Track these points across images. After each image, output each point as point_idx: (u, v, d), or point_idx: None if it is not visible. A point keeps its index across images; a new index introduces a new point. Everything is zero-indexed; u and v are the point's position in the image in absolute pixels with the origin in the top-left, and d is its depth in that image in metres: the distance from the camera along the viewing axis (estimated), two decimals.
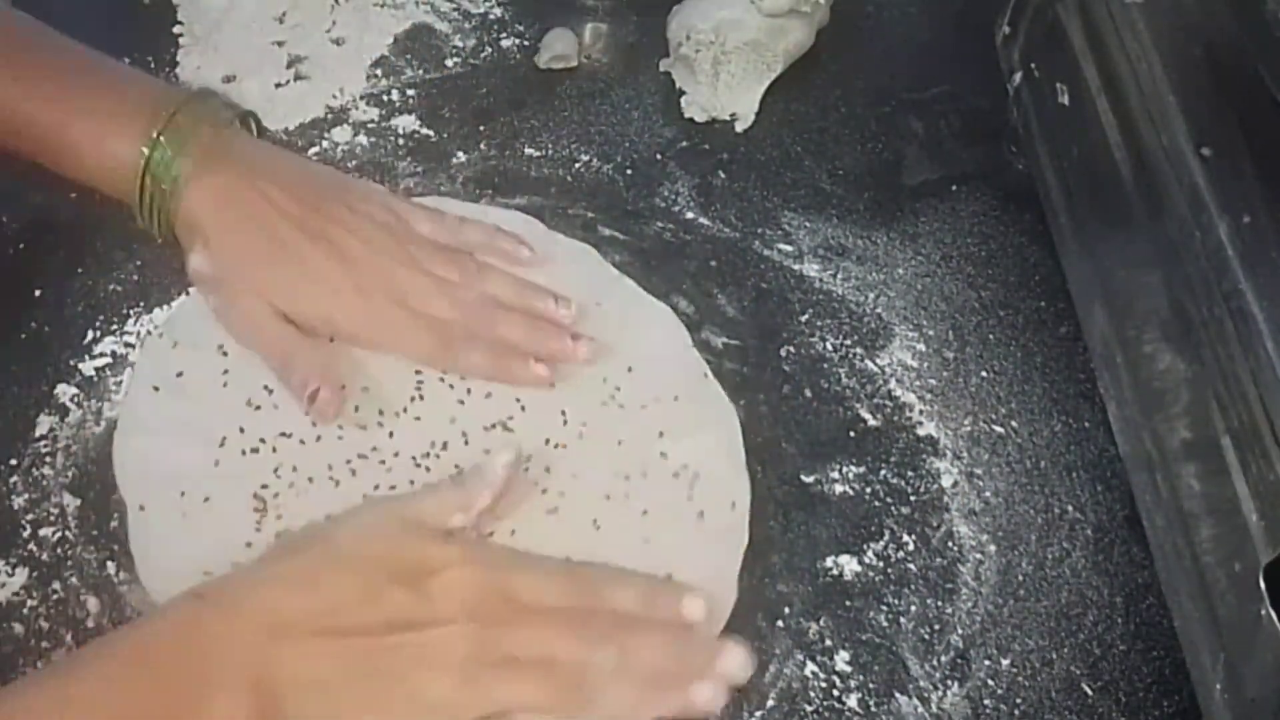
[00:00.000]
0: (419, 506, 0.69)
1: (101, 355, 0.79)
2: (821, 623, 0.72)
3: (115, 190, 0.77)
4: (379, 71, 0.97)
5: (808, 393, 0.81)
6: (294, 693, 0.61)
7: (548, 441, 0.76)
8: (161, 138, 0.75)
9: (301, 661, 0.62)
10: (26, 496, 0.73)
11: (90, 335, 0.80)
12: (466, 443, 0.76)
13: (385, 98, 0.95)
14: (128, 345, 0.80)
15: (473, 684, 0.64)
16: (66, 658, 0.67)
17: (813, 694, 0.70)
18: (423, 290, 0.78)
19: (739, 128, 0.95)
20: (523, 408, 0.77)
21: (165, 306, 0.82)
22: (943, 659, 0.72)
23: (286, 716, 0.61)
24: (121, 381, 0.78)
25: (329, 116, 0.94)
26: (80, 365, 0.79)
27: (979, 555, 0.75)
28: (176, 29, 0.98)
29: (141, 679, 0.60)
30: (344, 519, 0.70)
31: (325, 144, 0.92)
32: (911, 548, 0.75)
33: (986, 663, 0.72)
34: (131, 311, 0.81)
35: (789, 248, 0.88)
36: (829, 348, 0.84)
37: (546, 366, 0.77)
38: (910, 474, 0.79)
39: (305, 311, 0.76)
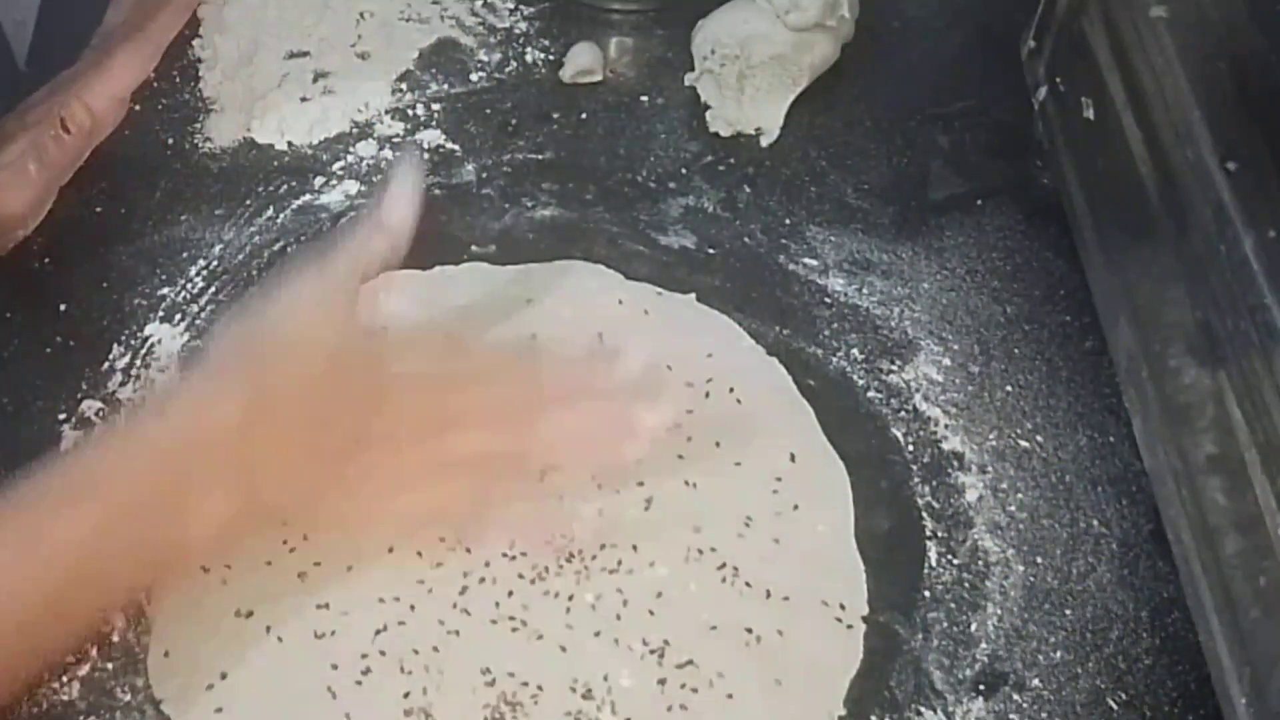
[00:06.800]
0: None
1: (126, 370, 0.80)
2: None
3: None
4: (404, 86, 0.98)
5: (833, 407, 0.81)
6: None
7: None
8: None
9: None
10: None
11: (115, 350, 0.81)
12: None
13: (410, 112, 0.96)
14: (153, 360, 0.80)
15: None
16: None
17: None
18: None
19: (764, 142, 0.96)
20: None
21: (190, 321, 0.82)
22: (968, 673, 0.71)
23: None
24: (146, 397, 0.79)
25: (354, 131, 0.94)
26: (105, 380, 0.79)
27: (1004, 569, 0.75)
28: (199, 44, 0.99)
29: None
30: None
31: (350, 158, 0.92)
32: (937, 561, 0.75)
33: (1012, 677, 0.71)
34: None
35: (814, 262, 0.88)
36: (854, 362, 0.84)
37: None
38: (936, 488, 0.78)
39: None
